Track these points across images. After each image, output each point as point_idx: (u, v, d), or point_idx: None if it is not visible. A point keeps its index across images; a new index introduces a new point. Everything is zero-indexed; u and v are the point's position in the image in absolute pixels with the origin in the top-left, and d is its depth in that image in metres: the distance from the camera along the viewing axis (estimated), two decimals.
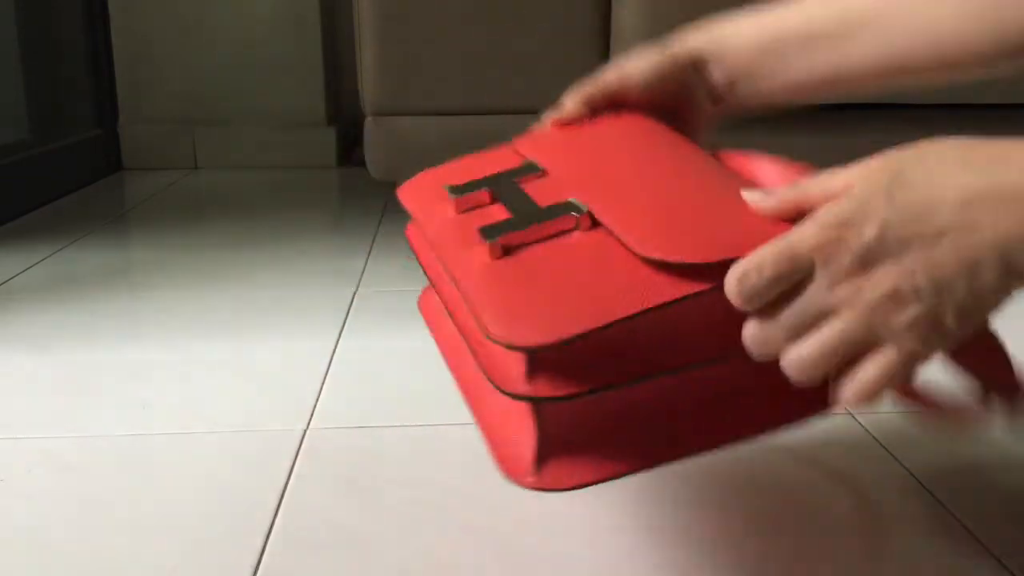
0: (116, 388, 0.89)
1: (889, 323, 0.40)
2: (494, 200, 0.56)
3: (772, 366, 0.44)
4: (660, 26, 1.29)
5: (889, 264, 0.40)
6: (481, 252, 0.50)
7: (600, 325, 0.43)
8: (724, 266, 0.43)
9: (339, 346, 1.00)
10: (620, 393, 0.46)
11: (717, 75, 0.64)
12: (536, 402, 0.45)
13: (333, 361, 0.95)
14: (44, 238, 1.51)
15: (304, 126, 2.23)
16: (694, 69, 0.64)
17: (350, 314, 1.11)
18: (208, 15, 2.17)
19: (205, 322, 1.08)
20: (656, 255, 0.45)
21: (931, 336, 0.40)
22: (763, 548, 0.61)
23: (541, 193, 0.54)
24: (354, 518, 0.64)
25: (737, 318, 0.44)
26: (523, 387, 0.45)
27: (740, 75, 0.64)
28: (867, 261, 0.41)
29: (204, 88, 2.20)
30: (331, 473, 0.71)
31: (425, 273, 0.59)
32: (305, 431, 0.79)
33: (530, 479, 0.47)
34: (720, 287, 0.43)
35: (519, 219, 0.51)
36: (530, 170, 0.58)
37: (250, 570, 0.58)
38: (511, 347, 0.43)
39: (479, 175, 0.59)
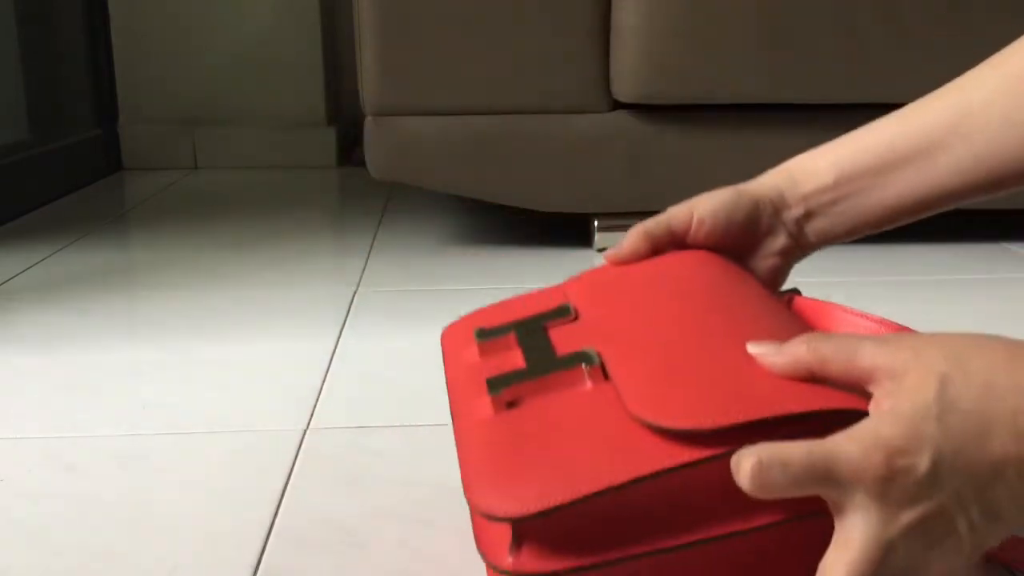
0: (116, 388, 0.89)
1: (942, 546, 0.40)
2: (519, 344, 0.54)
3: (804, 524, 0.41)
4: (660, 26, 1.29)
5: (943, 498, 0.39)
6: (485, 404, 0.49)
7: (581, 496, 0.40)
8: (722, 433, 0.40)
9: (339, 346, 1.00)
10: (615, 571, 0.42)
11: (794, 212, 0.62)
12: None
13: (333, 361, 0.95)
14: (44, 238, 1.51)
15: (304, 126, 2.23)
16: (770, 207, 0.62)
17: (350, 314, 1.11)
18: (208, 15, 2.17)
19: (205, 322, 1.08)
20: (647, 417, 0.42)
21: (975, 552, 0.41)
22: None
23: (564, 339, 0.53)
24: (354, 518, 0.64)
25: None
26: (505, 561, 0.42)
27: (818, 212, 0.62)
28: (919, 497, 0.39)
29: (204, 88, 2.20)
30: (331, 473, 0.71)
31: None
32: (305, 431, 0.79)
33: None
34: (719, 456, 0.40)
35: (531, 368, 0.50)
36: (562, 313, 0.56)
37: (250, 570, 0.58)
38: (490, 518, 0.42)
39: (512, 317, 0.57)
